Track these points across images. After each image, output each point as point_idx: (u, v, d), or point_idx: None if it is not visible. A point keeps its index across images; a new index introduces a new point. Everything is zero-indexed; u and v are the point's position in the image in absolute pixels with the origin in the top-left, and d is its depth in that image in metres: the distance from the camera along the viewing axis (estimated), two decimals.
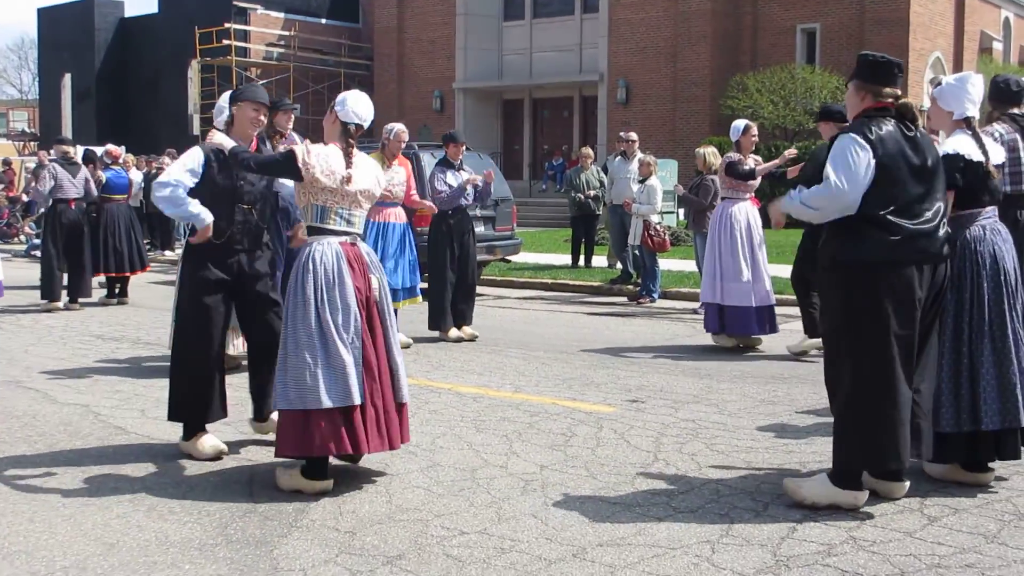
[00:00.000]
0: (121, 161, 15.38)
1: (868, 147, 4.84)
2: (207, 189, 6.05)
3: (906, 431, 4.91)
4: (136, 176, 19.41)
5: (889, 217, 4.84)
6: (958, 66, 32.53)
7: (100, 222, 14.11)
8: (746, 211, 10.02)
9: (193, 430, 6.16)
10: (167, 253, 21.72)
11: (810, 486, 5.13)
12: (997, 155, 5.66)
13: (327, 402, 5.25)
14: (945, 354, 5.31)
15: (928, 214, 4.92)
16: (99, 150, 16.17)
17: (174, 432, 6.62)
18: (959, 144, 5.43)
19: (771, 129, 30.21)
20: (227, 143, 5.99)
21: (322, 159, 5.48)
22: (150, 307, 13.53)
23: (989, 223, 5.50)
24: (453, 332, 10.56)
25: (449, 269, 10.50)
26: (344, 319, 5.37)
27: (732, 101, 30.32)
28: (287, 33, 40.90)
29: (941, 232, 4.96)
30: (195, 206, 5.95)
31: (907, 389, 4.92)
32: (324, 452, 5.35)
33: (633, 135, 16.29)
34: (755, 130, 10.36)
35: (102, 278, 14.25)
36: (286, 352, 5.39)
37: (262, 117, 6.28)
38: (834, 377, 5.07)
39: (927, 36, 32.15)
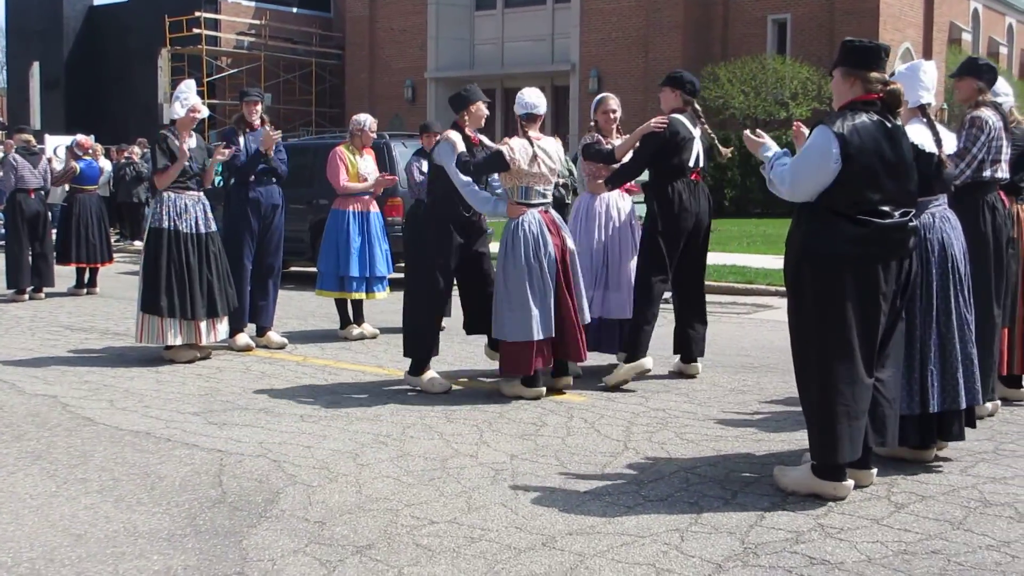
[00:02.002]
0: (90, 151, 15.28)
1: (837, 144, 4.84)
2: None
3: (861, 423, 4.95)
4: (106, 166, 19.32)
5: (856, 215, 4.86)
6: (927, 57, 32.68)
7: (72, 212, 14.05)
8: (608, 203, 8.17)
9: (421, 367, 7.62)
10: (136, 243, 21.58)
11: (793, 475, 5.16)
12: (950, 144, 5.75)
13: (536, 335, 7.11)
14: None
15: (898, 211, 4.94)
16: (68, 139, 16.06)
17: (142, 422, 6.60)
18: (914, 134, 5.48)
19: (742, 119, 30.30)
20: (458, 142, 7.31)
21: (520, 151, 7.21)
22: (119, 298, 13.45)
23: (939, 211, 5.61)
24: None
25: None
26: (548, 271, 7.16)
27: (703, 91, 30.37)
28: (258, 22, 40.69)
29: (909, 227, 4.99)
30: (486, 193, 7.52)
31: (867, 381, 4.95)
32: (530, 371, 7.19)
33: None
34: (613, 104, 8.30)
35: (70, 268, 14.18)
36: (505, 298, 7.20)
37: (487, 110, 7.74)
38: (801, 369, 5.09)
39: (897, 27, 32.31)
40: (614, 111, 8.26)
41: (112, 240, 15.73)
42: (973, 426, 5.79)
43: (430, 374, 7.63)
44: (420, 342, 7.61)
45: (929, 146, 5.51)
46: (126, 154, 22.68)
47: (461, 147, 7.31)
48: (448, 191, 7.43)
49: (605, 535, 4.58)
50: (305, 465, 5.66)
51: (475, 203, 7.43)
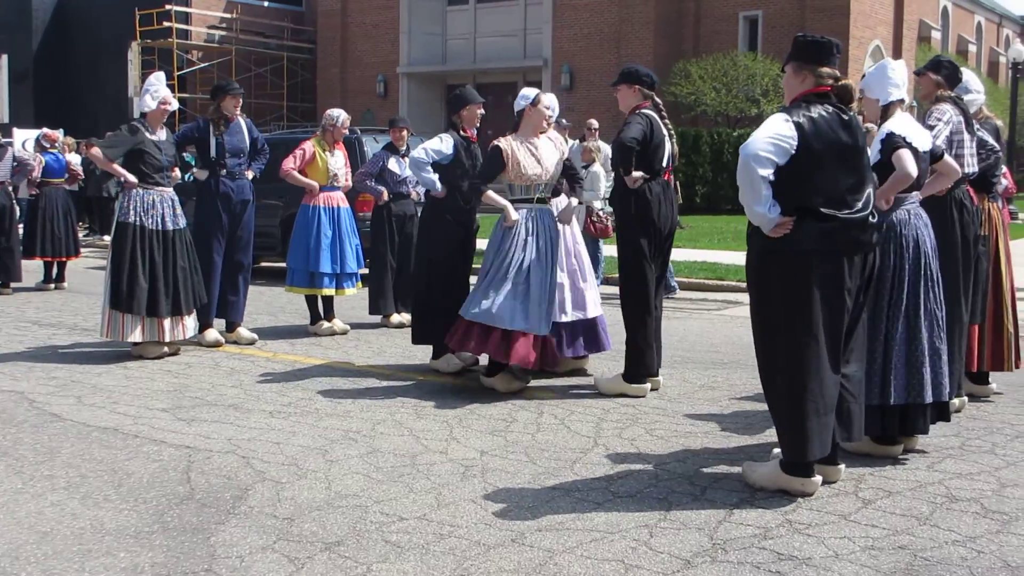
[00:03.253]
0: (58, 144, 15.17)
1: (794, 130, 4.83)
2: (457, 168, 7.97)
3: (830, 419, 4.97)
4: (74, 159, 19.18)
5: (820, 208, 4.86)
6: (897, 54, 32.92)
7: (39, 206, 13.96)
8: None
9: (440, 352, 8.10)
10: (106, 238, 21.43)
11: (761, 471, 5.17)
12: (924, 142, 5.76)
13: (510, 324, 7.06)
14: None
15: (859, 203, 4.95)
16: (36, 133, 15.96)
17: (110, 418, 6.56)
18: (894, 126, 5.54)
19: (713, 116, 30.42)
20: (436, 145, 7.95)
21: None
22: (87, 293, 13.35)
23: (913, 208, 5.68)
24: (395, 317, 10.54)
25: (390, 255, 10.49)
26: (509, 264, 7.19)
27: (675, 88, 30.46)
28: (229, 16, 40.46)
29: (871, 220, 5.01)
30: (433, 175, 7.87)
31: (833, 376, 4.97)
32: (501, 359, 7.15)
33: (593, 122, 15.91)
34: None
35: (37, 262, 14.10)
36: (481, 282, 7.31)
37: (482, 111, 8.28)
38: (767, 366, 5.10)
39: (867, 24, 32.49)
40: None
41: (80, 234, 15.64)
42: (947, 419, 5.82)
43: (447, 357, 8.07)
44: (438, 329, 7.79)
45: (924, 143, 5.63)
46: None
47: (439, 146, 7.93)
48: (450, 187, 7.97)
49: (574, 531, 4.58)
50: (274, 461, 5.64)
51: (416, 174, 8.08)
